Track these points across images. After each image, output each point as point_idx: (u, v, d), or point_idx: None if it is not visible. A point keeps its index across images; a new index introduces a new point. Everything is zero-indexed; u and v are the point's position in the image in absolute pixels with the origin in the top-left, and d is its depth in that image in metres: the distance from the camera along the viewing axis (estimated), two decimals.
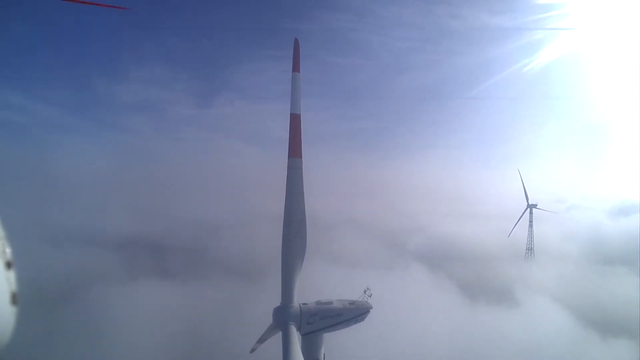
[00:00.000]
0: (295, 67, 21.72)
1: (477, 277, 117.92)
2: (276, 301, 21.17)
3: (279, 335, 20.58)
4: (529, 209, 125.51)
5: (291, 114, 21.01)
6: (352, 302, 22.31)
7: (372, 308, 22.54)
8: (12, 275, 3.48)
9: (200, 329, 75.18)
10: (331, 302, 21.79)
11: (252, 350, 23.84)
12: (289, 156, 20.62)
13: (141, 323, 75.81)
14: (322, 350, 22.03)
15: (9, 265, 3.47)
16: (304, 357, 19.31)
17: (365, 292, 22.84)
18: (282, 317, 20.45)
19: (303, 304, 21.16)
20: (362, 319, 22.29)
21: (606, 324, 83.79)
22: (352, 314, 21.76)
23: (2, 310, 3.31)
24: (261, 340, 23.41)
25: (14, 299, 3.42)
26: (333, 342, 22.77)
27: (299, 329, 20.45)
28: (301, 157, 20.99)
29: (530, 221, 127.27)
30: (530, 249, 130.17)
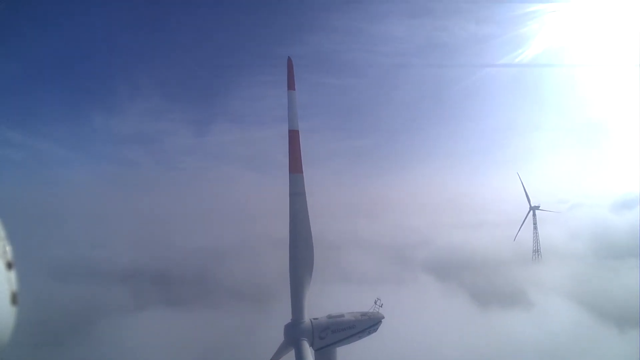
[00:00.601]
0: (290, 85, 22.21)
1: (487, 284, 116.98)
2: (286, 320, 20.96)
3: (291, 354, 20.36)
4: (531, 211, 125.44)
5: (289, 131, 21.33)
6: (364, 314, 22.17)
7: (383, 318, 22.39)
8: (12, 275, 3.54)
9: (212, 355, 74.13)
10: (342, 315, 21.64)
11: None
12: (290, 172, 20.83)
13: (151, 353, 74.84)
14: None
15: (9, 265, 3.53)
16: None
17: (376, 302, 22.74)
18: (294, 333, 20.24)
19: (314, 318, 21.00)
20: (375, 330, 22.10)
21: (622, 317, 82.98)
22: (365, 325, 21.59)
23: (2, 310, 3.35)
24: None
25: (14, 299, 3.46)
26: (347, 357, 22.54)
27: (311, 345, 20.21)
28: (302, 173, 21.21)
29: (535, 223, 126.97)
30: (537, 251, 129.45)
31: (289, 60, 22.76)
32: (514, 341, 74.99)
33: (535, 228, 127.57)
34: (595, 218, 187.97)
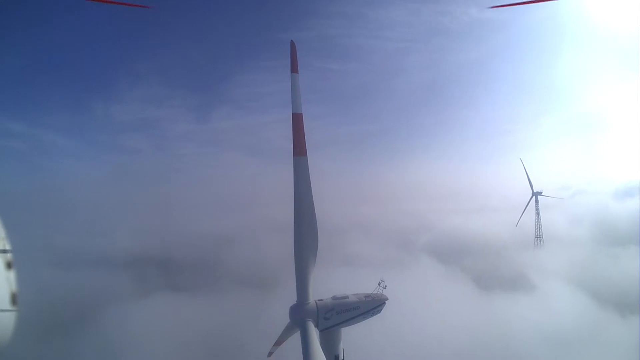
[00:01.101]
0: (294, 69, 22.01)
1: (489, 268, 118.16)
2: (292, 302, 21.05)
3: (296, 337, 20.64)
4: (534, 196, 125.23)
5: (293, 114, 21.27)
6: (368, 295, 22.41)
7: (387, 299, 22.63)
8: (12, 275, 3.54)
9: (218, 338, 75.38)
10: (347, 297, 21.89)
11: (270, 354, 23.89)
12: (294, 155, 20.85)
13: (157, 337, 76.14)
14: (341, 346, 22.08)
15: (9, 265, 3.53)
16: (323, 353, 19.42)
17: (379, 284, 22.94)
18: (299, 314, 20.47)
19: (319, 300, 21.24)
20: (379, 311, 22.37)
21: (622, 302, 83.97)
22: (369, 306, 21.86)
23: (3, 310, 3.35)
24: (278, 342, 23.42)
25: (14, 299, 3.47)
26: (352, 337, 22.87)
27: (316, 325, 20.48)
28: (306, 155, 21.23)
29: (537, 209, 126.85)
30: (539, 237, 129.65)
31: (292, 43, 22.56)
32: (512, 325, 75.87)
33: (537, 214, 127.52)
34: (597, 205, 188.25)
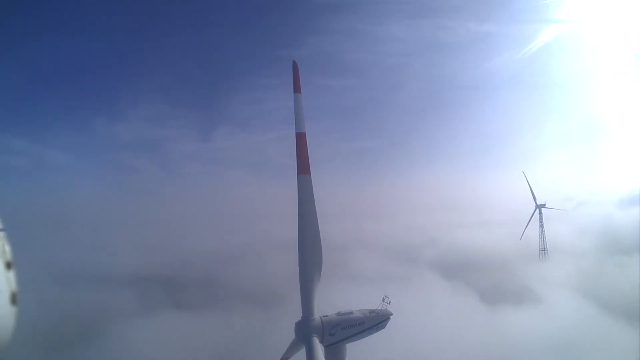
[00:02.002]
0: (296, 88, 22.68)
1: (494, 282, 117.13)
2: (297, 319, 21.41)
3: (302, 353, 20.80)
4: (537, 209, 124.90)
5: (297, 133, 21.84)
6: (372, 311, 22.61)
7: (392, 315, 22.82)
8: (12, 275, 3.57)
9: (223, 356, 74.84)
10: (351, 312, 22.11)
11: None
12: (298, 173, 21.35)
13: (161, 354, 75.68)
14: None
15: (8, 265, 3.56)
16: None
17: (384, 299, 23.15)
18: (304, 330, 20.68)
19: (324, 316, 21.47)
20: (384, 326, 22.54)
21: (628, 312, 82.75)
22: (373, 321, 22.05)
23: (2, 310, 3.38)
24: (284, 358, 23.60)
25: (14, 299, 3.49)
26: (357, 352, 22.96)
27: (321, 341, 20.67)
28: (309, 173, 21.75)
29: (541, 221, 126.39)
30: (543, 249, 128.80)
31: (294, 63, 23.20)
32: (520, 338, 75.16)
33: (541, 226, 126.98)
34: (601, 215, 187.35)
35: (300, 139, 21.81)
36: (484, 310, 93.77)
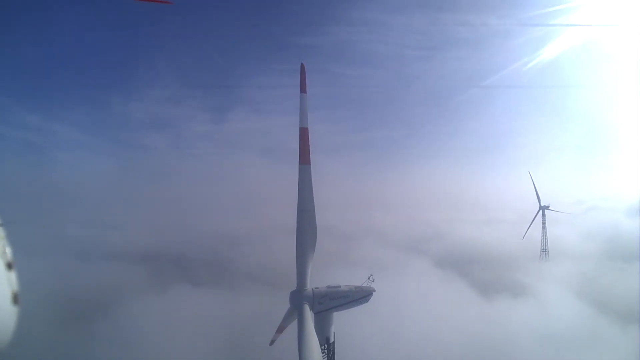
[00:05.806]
0: (303, 89, 25.73)
1: (492, 277, 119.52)
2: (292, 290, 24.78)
3: (295, 327, 24.04)
4: (541, 210, 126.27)
5: (300, 128, 25.07)
6: (358, 287, 26.16)
7: (375, 291, 26.25)
8: (12, 275, 3.57)
9: (230, 326, 79.02)
10: (339, 286, 25.72)
11: (272, 342, 27.37)
12: (300, 163, 24.57)
13: (171, 328, 79.77)
14: (333, 329, 25.77)
15: (9, 266, 3.55)
16: (317, 333, 22.99)
17: (369, 278, 26.63)
18: (297, 299, 24.24)
19: (315, 287, 24.99)
20: (367, 300, 26.05)
21: (621, 316, 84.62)
22: (357, 295, 25.63)
23: (4, 310, 3.40)
24: (280, 329, 26.96)
25: (15, 299, 3.51)
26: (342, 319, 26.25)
27: (311, 309, 24.16)
28: (310, 164, 24.95)
29: (544, 223, 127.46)
30: (544, 250, 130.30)
31: (302, 66, 26.13)
32: (504, 327, 77.92)
33: (544, 227, 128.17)
34: (608, 221, 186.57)
35: (304, 133, 25.08)
36: (476, 300, 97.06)
